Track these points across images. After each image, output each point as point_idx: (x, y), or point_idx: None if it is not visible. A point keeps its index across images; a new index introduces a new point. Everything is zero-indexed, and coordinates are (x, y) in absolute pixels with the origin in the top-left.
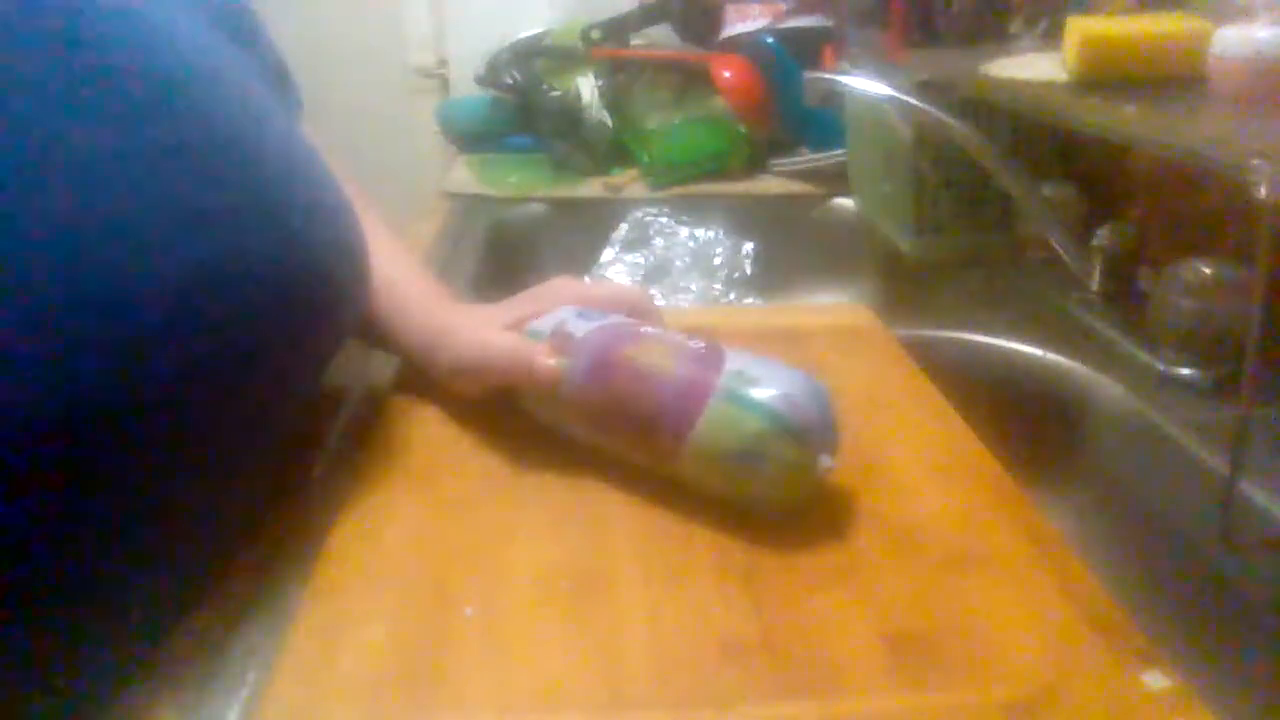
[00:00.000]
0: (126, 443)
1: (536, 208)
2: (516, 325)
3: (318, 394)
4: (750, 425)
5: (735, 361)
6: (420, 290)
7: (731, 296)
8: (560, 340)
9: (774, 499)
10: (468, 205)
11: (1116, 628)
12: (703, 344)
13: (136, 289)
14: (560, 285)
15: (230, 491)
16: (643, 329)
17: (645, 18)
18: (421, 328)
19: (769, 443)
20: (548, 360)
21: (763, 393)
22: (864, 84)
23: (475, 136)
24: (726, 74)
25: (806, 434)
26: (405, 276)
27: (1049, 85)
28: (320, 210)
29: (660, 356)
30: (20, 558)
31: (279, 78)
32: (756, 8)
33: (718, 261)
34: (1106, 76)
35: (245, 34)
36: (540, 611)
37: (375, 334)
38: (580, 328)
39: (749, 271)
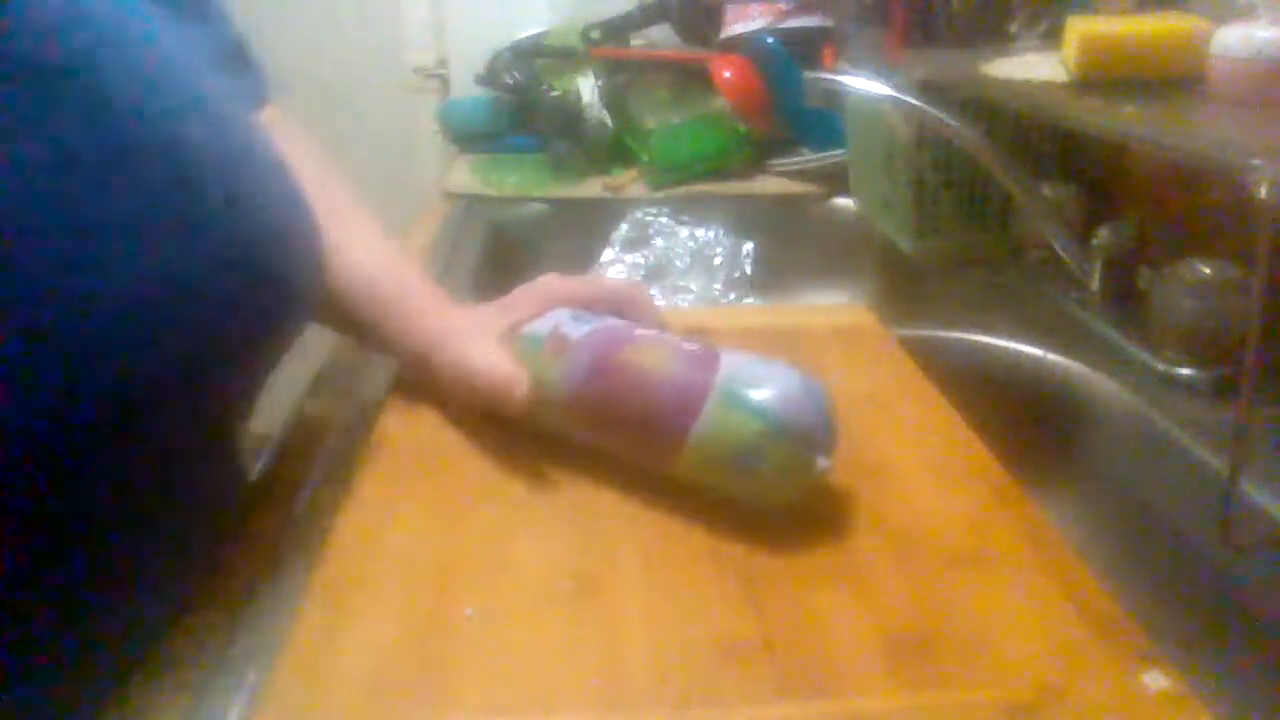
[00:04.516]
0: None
1: (536, 208)
2: (513, 330)
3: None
4: (748, 426)
5: (731, 362)
6: (414, 292)
7: (731, 296)
8: (557, 343)
9: (771, 498)
10: (468, 205)
11: (1116, 628)
12: (698, 345)
13: (64, 302)
14: (551, 282)
15: (201, 487)
16: (637, 332)
17: (645, 18)
18: (419, 329)
19: (766, 443)
20: (522, 391)
21: (759, 394)
22: (864, 84)
23: (475, 136)
24: (726, 74)
25: (803, 435)
26: (399, 278)
27: (1049, 85)
28: (250, 199)
29: (656, 359)
30: (18, 558)
31: (236, 57)
32: (756, 8)
33: (718, 261)
34: (1106, 76)
35: (192, 9)
36: (540, 611)
37: (371, 337)
38: (576, 330)
39: (749, 271)
